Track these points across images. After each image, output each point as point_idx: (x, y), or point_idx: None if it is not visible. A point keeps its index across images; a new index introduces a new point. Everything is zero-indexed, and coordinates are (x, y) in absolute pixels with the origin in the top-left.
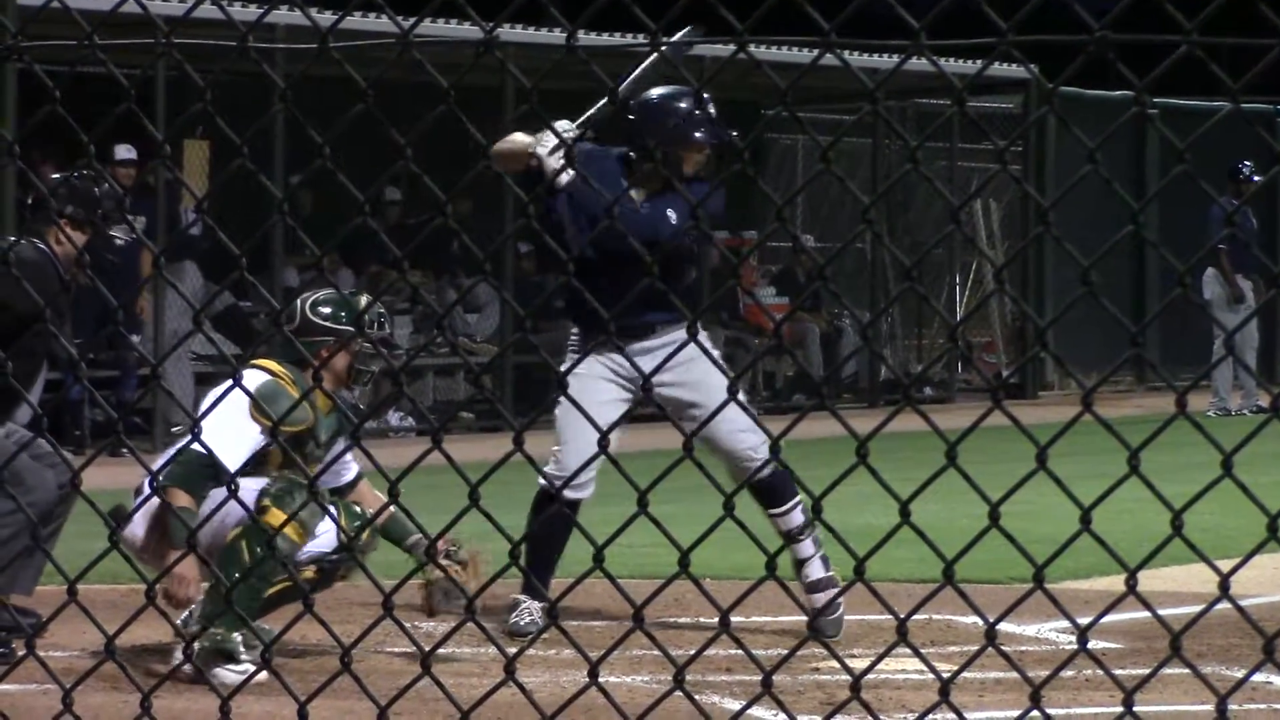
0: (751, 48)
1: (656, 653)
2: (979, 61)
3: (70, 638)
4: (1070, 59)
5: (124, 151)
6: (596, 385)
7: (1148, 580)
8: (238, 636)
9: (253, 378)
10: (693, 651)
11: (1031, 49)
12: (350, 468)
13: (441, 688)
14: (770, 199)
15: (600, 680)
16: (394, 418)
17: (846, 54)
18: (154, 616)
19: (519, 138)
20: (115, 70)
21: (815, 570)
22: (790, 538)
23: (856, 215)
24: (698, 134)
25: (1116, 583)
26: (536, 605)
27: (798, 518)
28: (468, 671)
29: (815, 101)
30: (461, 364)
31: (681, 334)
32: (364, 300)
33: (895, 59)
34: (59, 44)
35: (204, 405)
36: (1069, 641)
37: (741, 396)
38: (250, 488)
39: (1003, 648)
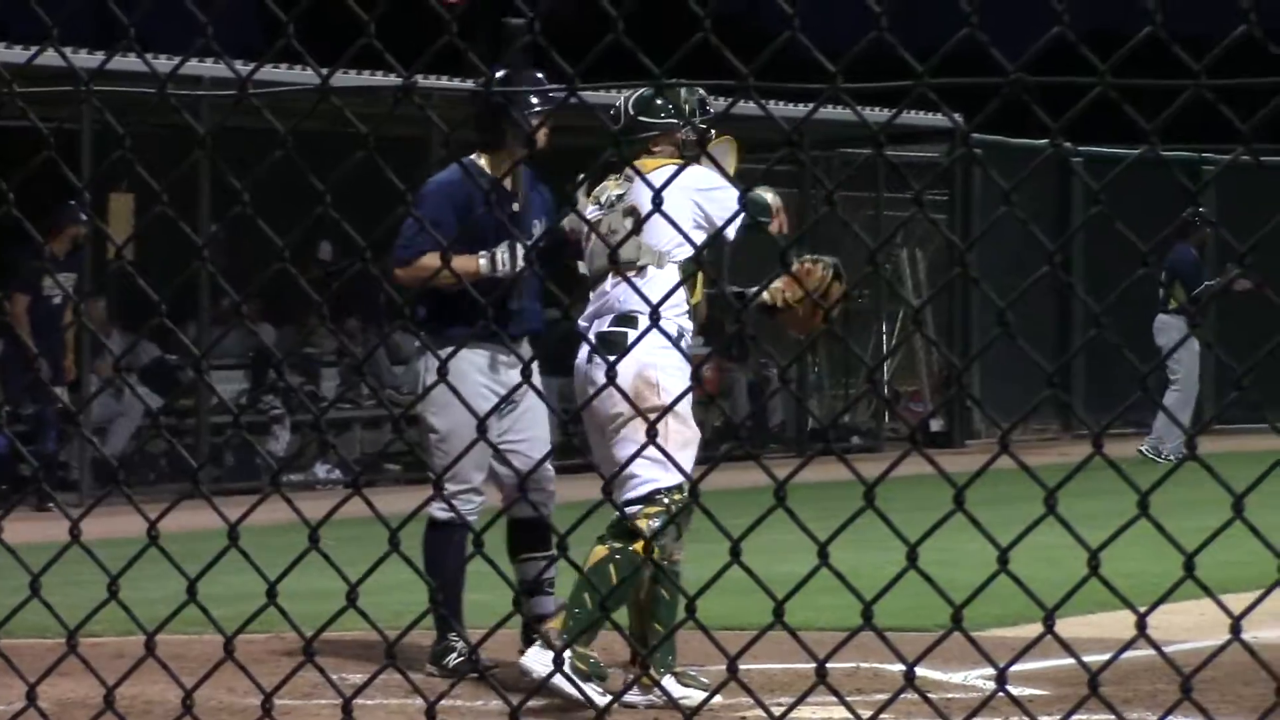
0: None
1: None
2: (908, 112)
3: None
4: (1004, 112)
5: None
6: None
7: (1075, 627)
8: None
9: (682, 172)
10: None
11: (957, 98)
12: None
13: None
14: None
15: None
16: (321, 470)
17: (771, 104)
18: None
19: (469, 263)
20: (36, 120)
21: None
22: (539, 588)
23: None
24: (531, 117)
25: (1041, 629)
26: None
27: (553, 570)
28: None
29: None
30: (388, 415)
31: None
32: (682, 91)
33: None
34: None
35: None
36: (993, 687)
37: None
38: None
39: (929, 695)
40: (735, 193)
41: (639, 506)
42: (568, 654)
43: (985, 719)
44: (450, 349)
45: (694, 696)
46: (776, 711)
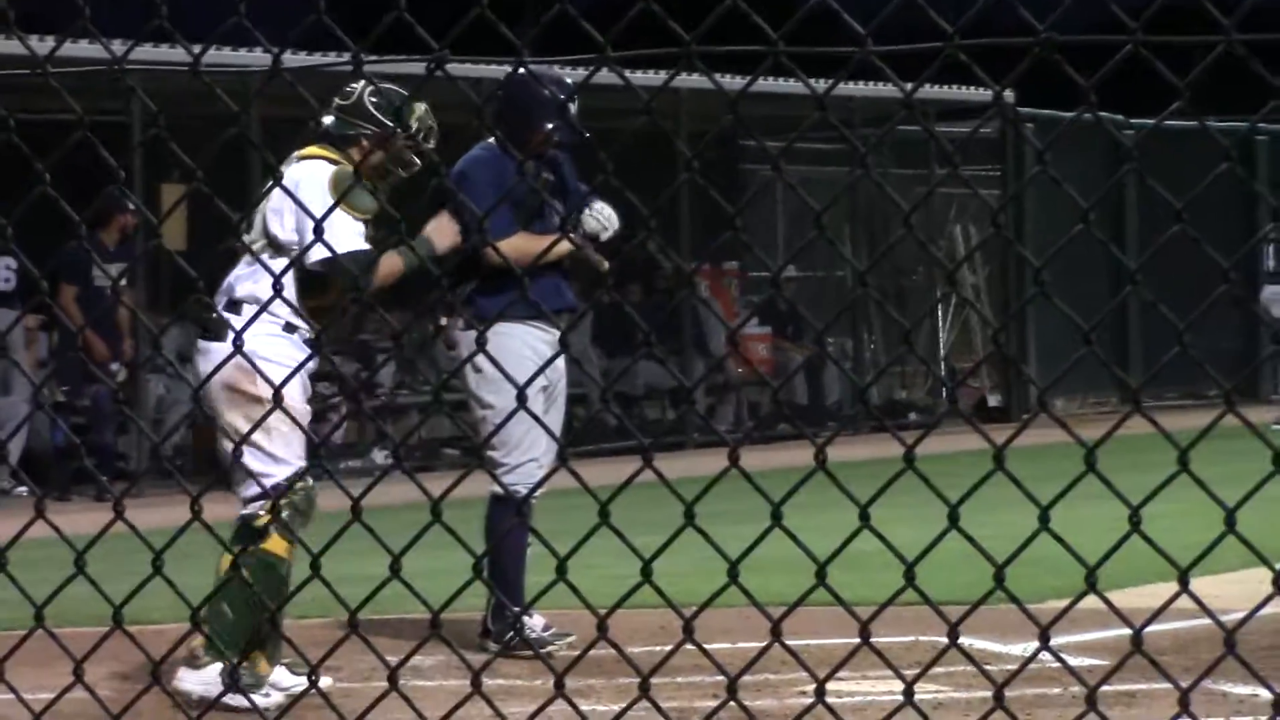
0: (727, 76)
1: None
2: (954, 87)
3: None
4: (1057, 85)
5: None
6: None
7: (1134, 598)
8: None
9: (319, 168)
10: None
11: (1006, 71)
12: None
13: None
14: (740, 227)
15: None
16: (379, 456)
17: (814, 81)
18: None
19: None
20: (71, 101)
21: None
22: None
23: (840, 252)
24: (552, 130)
25: (1094, 600)
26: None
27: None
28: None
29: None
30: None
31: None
32: (420, 106)
33: (860, 85)
34: (12, 73)
35: (271, 206)
36: (1053, 661)
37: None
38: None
39: (986, 666)
40: (347, 221)
41: (259, 504)
42: (219, 667)
43: (1042, 689)
44: (507, 323)
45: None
46: (829, 686)
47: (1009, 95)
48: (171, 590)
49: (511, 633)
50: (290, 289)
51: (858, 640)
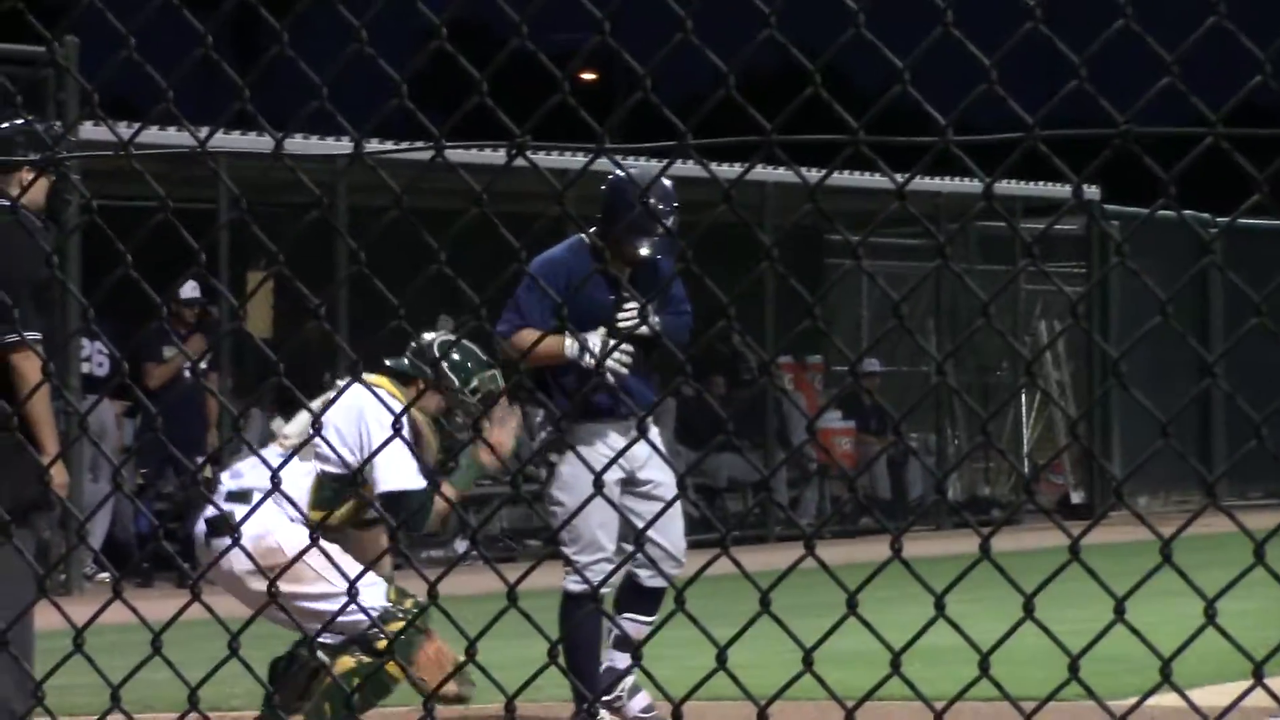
0: (814, 171)
1: None
2: (1041, 184)
3: None
4: (1144, 185)
5: (188, 290)
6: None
7: (1218, 695)
8: None
9: (386, 399)
10: None
11: (1096, 172)
12: None
13: None
14: (824, 323)
15: None
16: (461, 546)
17: (900, 177)
18: None
19: (555, 344)
20: (152, 181)
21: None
22: (634, 648)
23: (920, 337)
24: (640, 246)
25: (1171, 697)
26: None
27: (645, 632)
28: None
29: (882, 226)
30: (525, 493)
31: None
32: (490, 372)
33: (946, 180)
34: (96, 154)
35: (334, 419)
36: None
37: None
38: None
39: None
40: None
41: (372, 631)
42: None
43: None
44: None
45: None
46: None
47: (1094, 192)
48: (250, 675)
49: None
50: (304, 495)
51: None
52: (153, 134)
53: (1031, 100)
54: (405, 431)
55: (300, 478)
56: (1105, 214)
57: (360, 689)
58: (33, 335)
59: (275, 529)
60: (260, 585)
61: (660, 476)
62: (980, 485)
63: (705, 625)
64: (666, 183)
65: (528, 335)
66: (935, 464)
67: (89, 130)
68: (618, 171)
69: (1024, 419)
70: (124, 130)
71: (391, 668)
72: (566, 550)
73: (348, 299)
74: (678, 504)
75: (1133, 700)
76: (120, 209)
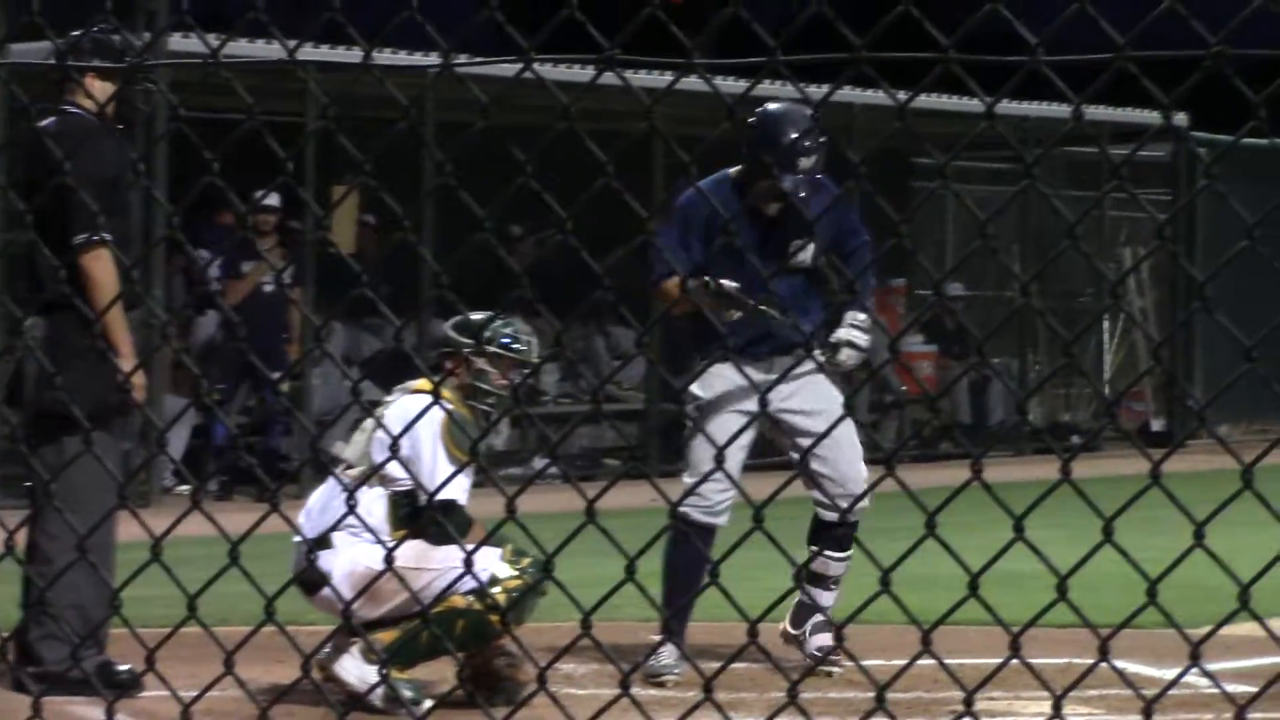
0: (903, 92)
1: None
2: (1130, 109)
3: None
4: (1234, 111)
5: (269, 199)
6: (724, 411)
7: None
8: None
9: (431, 408)
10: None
11: (1185, 97)
12: None
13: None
14: (911, 244)
15: None
16: (540, 464)
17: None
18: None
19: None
20: (241, 89)
21: (826, 614)
22: (826, 583)
23: (1005, 263)
24: (785, 181)
25: (1249, 625)
26: (672, 649)
27: (843, 569)
28: None
29: (968, 149)
30: (608, 411)
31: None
32: (500, 321)
33: (1036, 105)
34: (185, 61)
35: (380, 436)
36: (1209, 685)
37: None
38: (484, 560)
39: (1142, 690)
40: (441, 464)
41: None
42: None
43: (1194, 714)
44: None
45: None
46: (981, 705)
47: (1182, 118)
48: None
49: (655, 661)
50: (383, 521)
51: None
52: (242, 45)
53: (1122, 24)
54: (440, 431)
55: (373, 503)
56: (1192, 139)
57: (464, 626)
58: (100, 238)
59: (360, 558)
60: (385, 583)
61: (815, 404)
62: (1061, 411)
63: (789, 549)
64: (804, 112)
65: (670, 287)
66: (1018, 389)
67: (177, 41)
68: (759, 105)
69: (1106, 345)
70: (213, 41)
71: (496, 619)
72: (687, 478)
73: (433, 217)
74: (850, 434)
75: (1209, 627)
76: (208, 120)
